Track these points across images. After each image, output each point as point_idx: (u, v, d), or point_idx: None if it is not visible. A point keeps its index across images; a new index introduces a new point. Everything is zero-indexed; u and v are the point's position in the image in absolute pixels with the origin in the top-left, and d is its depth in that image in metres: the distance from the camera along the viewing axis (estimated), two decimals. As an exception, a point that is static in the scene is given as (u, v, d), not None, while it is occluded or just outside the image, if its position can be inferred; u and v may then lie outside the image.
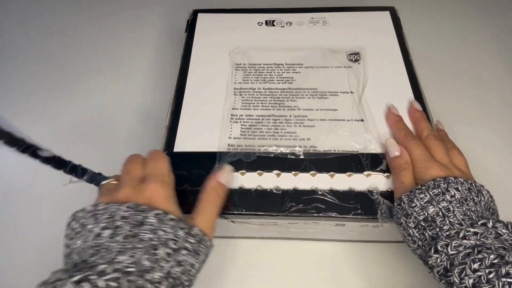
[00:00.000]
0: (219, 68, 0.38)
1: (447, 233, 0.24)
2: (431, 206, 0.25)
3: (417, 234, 0.25)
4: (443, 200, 0.25)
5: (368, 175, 0.31)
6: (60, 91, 0.48)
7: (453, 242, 0.23)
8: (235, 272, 0.34)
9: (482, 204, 0.26)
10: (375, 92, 0.36)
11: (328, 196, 0.30)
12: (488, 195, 0.27)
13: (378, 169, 0.31)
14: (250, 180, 0.31)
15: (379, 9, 0.43)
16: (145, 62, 0.50)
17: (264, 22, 0.42)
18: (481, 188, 0.27)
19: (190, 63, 0.39)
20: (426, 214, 0.25)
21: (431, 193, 0.25)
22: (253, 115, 0.35)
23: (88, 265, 0.19)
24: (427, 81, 0.38)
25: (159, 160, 0.27)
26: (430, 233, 0.25)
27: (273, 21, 0.42)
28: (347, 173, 0.31)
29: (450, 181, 0.26)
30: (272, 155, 0.32)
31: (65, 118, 0.46)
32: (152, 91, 0.47)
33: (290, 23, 0.42)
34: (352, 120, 0.34)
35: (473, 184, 0.27)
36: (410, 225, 0.26)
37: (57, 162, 0.40)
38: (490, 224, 0.23)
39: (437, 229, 0.24)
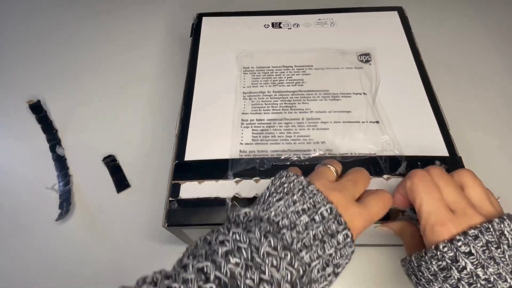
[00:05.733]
0: (227, 72, 0.37)
1: None
2: None
3: None
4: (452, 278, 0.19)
5: (387, 179, 0.29)
6: (62, 96, 0.47)
7: None
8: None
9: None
10: (389, 92, 0.35)
11: (347, 201, 0.28)
12: None
13: (397, 172, 0.30)
14: (265, 187, 0.30)
15: (387, 9, 0.42)
16: (150, 68, 0.49)
17: (270, 25, 0.41)
18: (504, 225, 0.20)
19: (197, 68, 0.38)
20: None
21: (439, 273, 0.20)
22: (264, 120, 0.34)
23: (277, 230, 0.19)
24: (438, 83, 0.37)
25: (385, 201, 0.25)
26: None
27: (280, 23, 0.41)
28: (366, 177, 0.30)
29: (460, 243, 0.19)
30: (288, 163, 0.31)
31: (67, 121, 0.45)
32: (159, 97, 0.46)
33: (297, 25, 0.41)
34: (367, 121, 0.33)
35: (493, 229, 0.20)
36: None
37: (60, 164, 0.41)
38: None
39: None
